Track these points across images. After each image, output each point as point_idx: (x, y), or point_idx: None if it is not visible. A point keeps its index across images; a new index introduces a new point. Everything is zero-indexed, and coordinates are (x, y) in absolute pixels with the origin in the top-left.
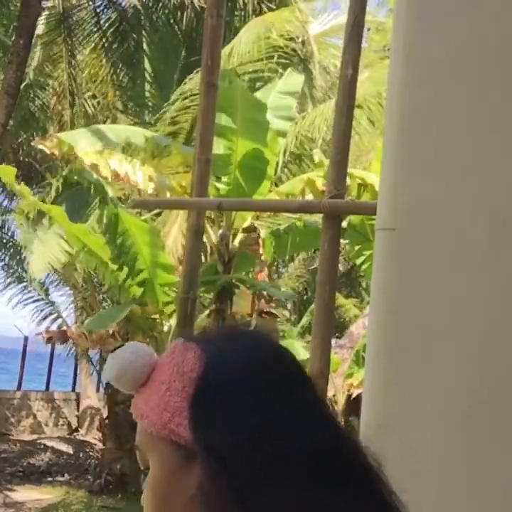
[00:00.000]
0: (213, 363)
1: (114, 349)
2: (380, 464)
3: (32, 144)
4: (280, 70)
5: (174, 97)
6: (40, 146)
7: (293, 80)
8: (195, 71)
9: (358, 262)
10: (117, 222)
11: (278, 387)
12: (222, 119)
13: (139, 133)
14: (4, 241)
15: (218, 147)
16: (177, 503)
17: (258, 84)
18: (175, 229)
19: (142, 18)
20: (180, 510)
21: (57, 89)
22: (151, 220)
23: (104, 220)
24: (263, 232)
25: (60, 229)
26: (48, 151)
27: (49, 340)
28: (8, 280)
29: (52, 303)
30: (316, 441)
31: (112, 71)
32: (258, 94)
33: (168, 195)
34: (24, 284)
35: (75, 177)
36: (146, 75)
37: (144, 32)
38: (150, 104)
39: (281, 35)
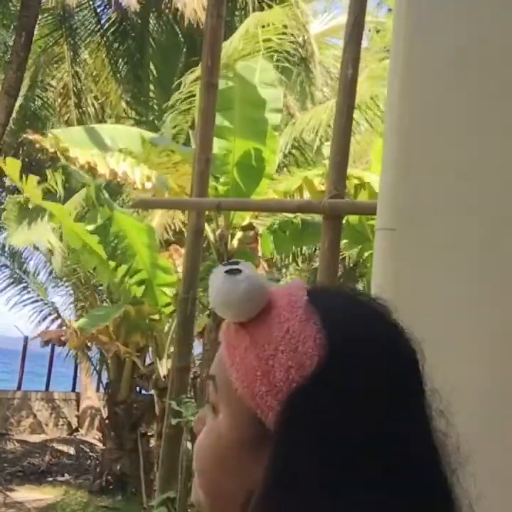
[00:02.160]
0: (332, 366)
1: (230, 269)
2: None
3: (25, 136)
4: (279, 74)
5: (172, 101)
6: (32, 138)
7: (265, 68)
8: (189, 71)
9: (358, 261)
10: (111, 223)
11: (394, 403)
12: (220, 119)
13: (136, 134)
14: (4, 241)
15: (215, 146)
16: (233, 474)
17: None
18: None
19: (142, 18)
20: (233, 483)
21: (61, 90)
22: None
23: (99, 221)
24: (261, 230)
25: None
26: (41, 145)
27: (47, 342)
28: (8, 281)
29: (52, 303)
30: (419, 485)
31: (113, 71)
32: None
33: (166, 195)
34: (24, 284)
35: (70, 178)
36: (147, 75)
37: (144, 32)
38: (151, 104)
39: (282, 33)
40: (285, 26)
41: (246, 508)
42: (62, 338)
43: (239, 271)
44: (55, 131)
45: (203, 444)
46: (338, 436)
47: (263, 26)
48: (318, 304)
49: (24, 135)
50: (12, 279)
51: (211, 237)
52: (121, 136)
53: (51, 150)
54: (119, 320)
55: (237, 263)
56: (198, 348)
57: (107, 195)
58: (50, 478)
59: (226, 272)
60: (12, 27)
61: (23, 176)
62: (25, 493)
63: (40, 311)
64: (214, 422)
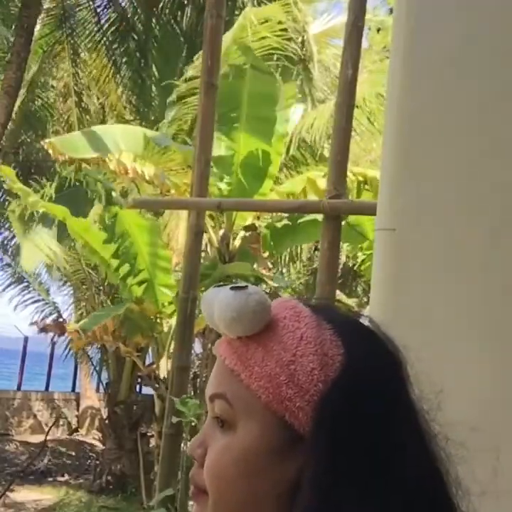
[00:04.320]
0: (355, 361)
1: (235, 287)
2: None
3: (42, 143)
4: (278, 75)
5: (171, 99)
6: (47, 147)
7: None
8: (187, 72)
9: (358, 261)
10: (117, 222)
11: (407, 404)
12: (226, 116)
13: (139, 133)
14: (5, 241)
15: (220, 146)
16: (262, 483)
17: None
18: (182, 229)
19: (142, 18)
20: (265, 489)
21: (62, 90)
22: (152, 219)
23: (106, 220)
24: (262, 228)
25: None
26: (53, 154)
27: (42, 330)
28: (9, 280)
29: (53, 303)
30: (426, 478)
31: (113, 71)
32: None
33: (172, 191)
34: (25, 284)
35: (81, 175)
36: (148, 74)
37: (144, 32)
38: (152, 103)
39: (282, 31)
40: (285, 29)
41: (282, 506)
42: (63, 334)
43: (245, 286)
44: (53, 140)
45: (221, 463)
46: (375, 431)
47: (261, 23)
48: (321, 313)
49: (41, 142)
50: (14, 279)
51: (213, 237)
52: (124, 137)
53: (61, 158)
54: (120, 319)
55: (225, 284)
56: (198, 348)
57: (116, 193)
58: (50, 479)
59: (232, 288)
60: (13, 27)
61: (21, 184)
62: (25, 494)
63: (42, 311)
64: (230, 438)
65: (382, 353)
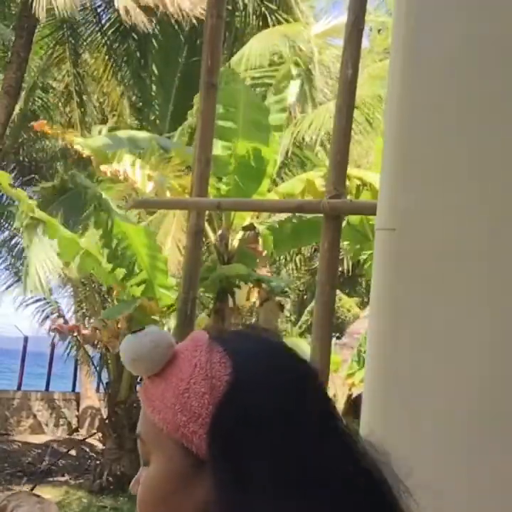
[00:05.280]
0: (242, 378)
1: (134, 331)
2: (405, 493)
3: (32, 124)
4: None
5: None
6: (40, 128)
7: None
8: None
9: (358, 261)
10: (113, 226)
11: (305, 413)
12: (224, 119)
13: (145, 136)
14: (6, 241)
15: (218, 147)
16: (178, 507)
17: (259, 89)
18: (172, 229)
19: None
20: (181, 506)
21: (63, 90)
22: (144, 220)
23: (100, 224)
24: (262, 229)
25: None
26: (49, 132)
27: (55, 330)
28: (10, 280)
29: (55, 303)
30: (340, 475)
31: (114, 71)
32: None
33: (168, 194)
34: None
35: (70, 180)
36: (149, 74)
37: (144, 32)
38: (153, 103)
39: (290, 46)
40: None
41: None
42: (74, 335)
43: (142, 328)
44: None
45: (142, 494)
46: (275, 445)
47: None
48: (219, 338)
49: (32, 123)
50: (15, 278)
51: (212, 237)
52: (129, 137)
53: (60, 141)
54: (128, 319)
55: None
56: None
57: (105, 196)
58: (50, 479)
59: (132, 332)
60: (12, 27)
61: (14, 190)
62: None
63: (43, 311)
64: (146, 472)
65: (275, 369)
